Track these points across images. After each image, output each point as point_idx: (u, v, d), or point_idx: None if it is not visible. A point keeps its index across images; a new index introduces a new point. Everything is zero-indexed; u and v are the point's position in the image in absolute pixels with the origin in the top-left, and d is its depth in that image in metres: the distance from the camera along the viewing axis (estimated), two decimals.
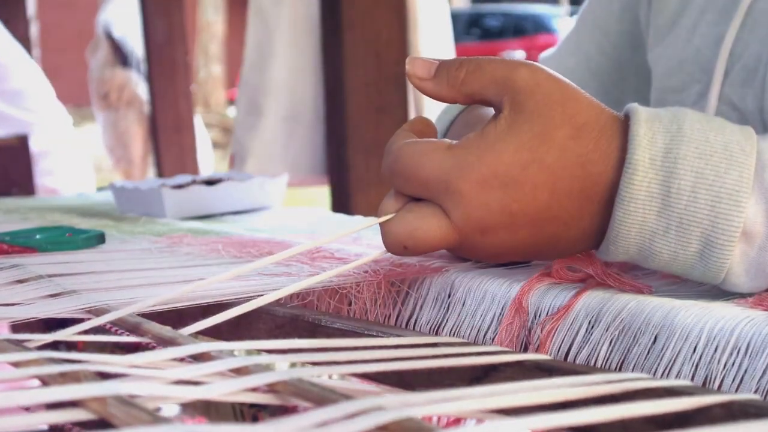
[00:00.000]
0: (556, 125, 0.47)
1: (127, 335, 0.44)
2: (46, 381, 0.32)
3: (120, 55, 4.09)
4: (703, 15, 0.72)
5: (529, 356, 0.40)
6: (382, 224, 0.49)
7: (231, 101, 9.20)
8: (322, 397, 0.32)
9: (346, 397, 0.31)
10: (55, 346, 0.43)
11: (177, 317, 0.51)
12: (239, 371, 0.35)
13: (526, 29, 9.45)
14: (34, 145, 2.21)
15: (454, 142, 0.48)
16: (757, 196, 0.46)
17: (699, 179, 0.45)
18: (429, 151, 0.47)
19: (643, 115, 0.47)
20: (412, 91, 1.95)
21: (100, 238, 0.76)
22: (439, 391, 0.31)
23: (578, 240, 0.49)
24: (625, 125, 0.48)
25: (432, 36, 2.02)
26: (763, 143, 0.47)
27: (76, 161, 2.47)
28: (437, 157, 0.47)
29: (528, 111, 0.46)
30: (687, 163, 0.46)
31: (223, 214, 1.04)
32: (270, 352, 0.40)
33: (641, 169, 0.46)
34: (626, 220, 0.47)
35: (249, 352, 0.42)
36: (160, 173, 3.16)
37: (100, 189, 2.15)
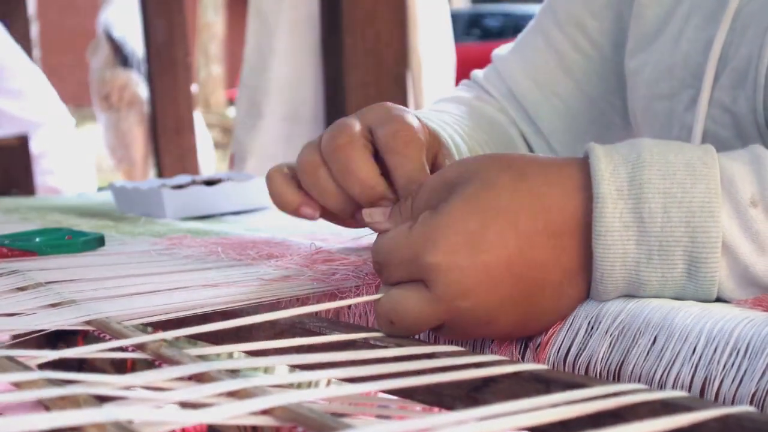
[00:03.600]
0: (497, 174, 0.47)
1: (127, 350, 0.45)
2: (46, 405, 0.33)
3: (121, 56, 4.09)
4: (689, 20, 0.72)
5: (527, 367, 0.40)
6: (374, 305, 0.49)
7: (231, 101, 9.20)
8: (321, 424, 0.32)
9: (345, 424, 0.31)
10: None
11: (177, 322, 0.51)
12: (239, 393, 0.36)
13: None
14: (35, 146, 2.21)
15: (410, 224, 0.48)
16: (728, 209, 0.45)
17: (668, 199, 0.45)
18: (394, 239, 0.48)
19: (600, 151, 0.47)
20: (411, 91, 1.95)
21: (99, 241, 0.76)
22: (435, 414, 0.31)
23: (563, 285, 0.47)
24: (581, 164, 0.48)
25: (432, 36, 2.02)
26: (725, 160, 0.47)
27: (77, 160, 2.47)
28: (403, 242, 0.47)
29: (468, 179, 0.48)
30: (653, 186, 0.45)
31: (223, 214, 1.04)
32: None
33: (610, 201, 0.45)
34: (608, 256, 0.46)
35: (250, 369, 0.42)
36: (161, 173, 3.16)
37: (100, 189, 2.16)
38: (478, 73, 0.91)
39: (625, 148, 0.48)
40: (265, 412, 0.33)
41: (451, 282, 0.45)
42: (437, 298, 0.45)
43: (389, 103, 0.60)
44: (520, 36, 0.90)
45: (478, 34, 9.54)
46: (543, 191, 0.47)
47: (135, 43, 3.92)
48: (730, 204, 0.45)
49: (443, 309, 0.46)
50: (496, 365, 0.41)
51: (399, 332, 0.47)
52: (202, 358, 0.41)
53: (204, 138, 3.92)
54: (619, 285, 0.47)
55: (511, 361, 0.42)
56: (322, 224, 0.89)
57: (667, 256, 0.45)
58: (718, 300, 0.47)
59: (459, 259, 0.45)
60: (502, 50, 0.91)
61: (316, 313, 0.57)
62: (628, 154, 0.47)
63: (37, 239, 0.74)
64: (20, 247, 0.72)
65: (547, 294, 0.47)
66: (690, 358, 0.41)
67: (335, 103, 1.85)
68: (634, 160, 0.46)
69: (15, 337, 0.48)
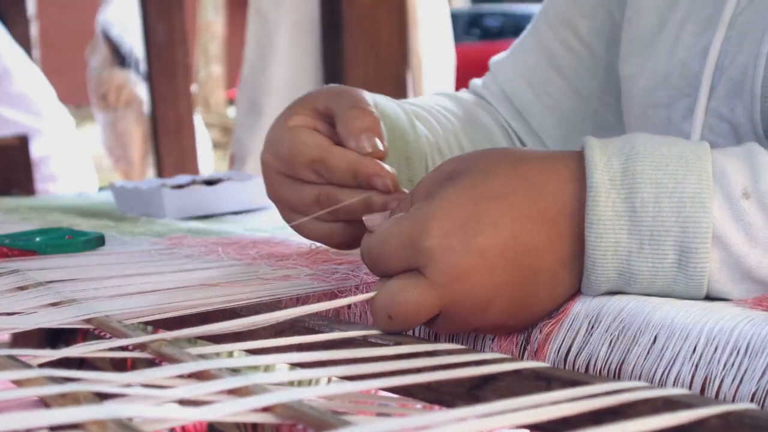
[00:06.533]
0: (493, 163, 0.48)
1: (128, 349, 0.45)
2: (46, 402, 0.33)
3: (118, 56, 4.09)
4: (685, 26, 0.71)
5: (528, 364, 0.40)
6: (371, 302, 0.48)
7: (231, 101, 9.20)
8: (321, 421, 0.32)
9: (345, 422, 0.31)
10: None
11: (178, 321, 0.51)
12: (239, 390, 0.35)
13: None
14: (35, 151, 2.21)
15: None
16: (720, 201, 0.46)
17: (660, 189, 0.46)
18: (387, 229, 0.47)
19: (595, 143, 0.48)
20: (411, 92, 1.95)
21: (99, 241, 0.76)
22: (436, 411, 0.31)
23: (558, 273, 0.47)
24: (576, 156, 0.48)
25: (432, 36, 2.02)
26: (719, 154, 0.48)
27: (79, 165, 2.47)
28: (397, 231, 0.47)
29: (465, 169, 0.48)
30: (645, 176, 0.46)
31: (223, 214, 1.04)
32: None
33: (603, 190, 0.46)
34: (600, 244, 0.46)
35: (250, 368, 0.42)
36: (160, 173, 3.15)
37: (100, 189, 2.16)
38: (476, 82, 0.93)
39: (620, 141, 0.48)
40: (265, 410, 0.33)
41: (447, 265, 0.45)
42: (434, 283, 0.45)
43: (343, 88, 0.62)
44: (516, 41, 0.91)
45: (478, 34, 9.53)
46: (539, 179, 0.47)
47: (133, 42, 3.92)
48: (722, 196, 0.46)
49: (440, 294, 0.45)
50: (497, 363, 0.41)
51: (397, 326, 0.46)
52: (202, 356, 0.41)
53: (204, 138, 3.91)
54: (610, 276, 0.47)
55: (512, 359, 0.42)
56: None
57: (658, 245, 0.46)
58: (719, 299, 0.47)
59: (453, 242, 0.45)
60: (499, 56, 0.92)
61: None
62: (622, 147, 0.48)
63: (38, 239, 0.74)
64: (20, 246, 0.72)
65: (541, 281, 0.47)
66: (690, 358, 0.41)
67: None
68: (628, 151, 0.47)
69: (15, 335, 0.48)
